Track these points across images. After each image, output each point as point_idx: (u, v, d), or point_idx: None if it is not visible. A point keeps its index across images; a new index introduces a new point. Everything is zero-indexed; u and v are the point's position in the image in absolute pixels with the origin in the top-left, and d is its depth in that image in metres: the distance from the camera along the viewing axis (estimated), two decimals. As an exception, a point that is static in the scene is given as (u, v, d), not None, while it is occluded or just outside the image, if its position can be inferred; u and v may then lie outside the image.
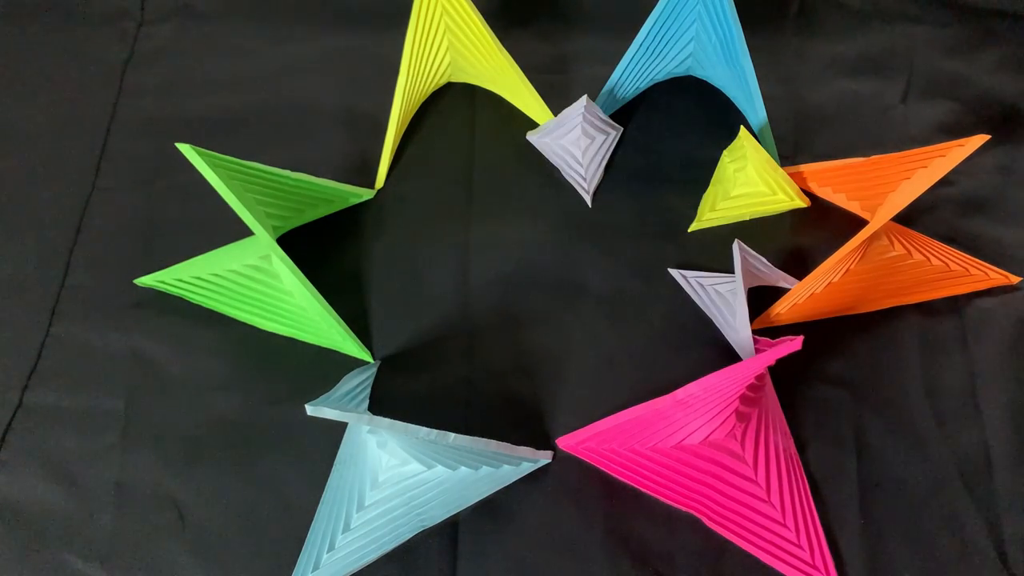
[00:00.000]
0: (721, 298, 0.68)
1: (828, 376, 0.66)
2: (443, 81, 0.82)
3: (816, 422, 0.65)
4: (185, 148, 0.58)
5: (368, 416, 0.51)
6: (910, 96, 0.81)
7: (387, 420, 0.51)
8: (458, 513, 0.61)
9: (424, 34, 0.75)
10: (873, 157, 0.70)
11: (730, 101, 0.80)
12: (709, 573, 0.59)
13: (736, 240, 0.68)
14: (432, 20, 0.74)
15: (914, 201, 0.62)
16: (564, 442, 0.63)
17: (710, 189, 0.75)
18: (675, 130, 0.79)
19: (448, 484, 0.59)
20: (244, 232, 0.62)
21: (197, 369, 0.67)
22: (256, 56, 0.85)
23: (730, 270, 0.67)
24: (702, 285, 0.69)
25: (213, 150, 0.61)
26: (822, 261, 0.63)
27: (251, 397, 0.66)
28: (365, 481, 0.59)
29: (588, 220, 0.75)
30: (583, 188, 0.75)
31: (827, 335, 0.67)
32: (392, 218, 0.75)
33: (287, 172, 0.68)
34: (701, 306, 0.69)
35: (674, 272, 0.71)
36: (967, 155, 0.60)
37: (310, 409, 0.50)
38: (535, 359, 0.63)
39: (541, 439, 0.64)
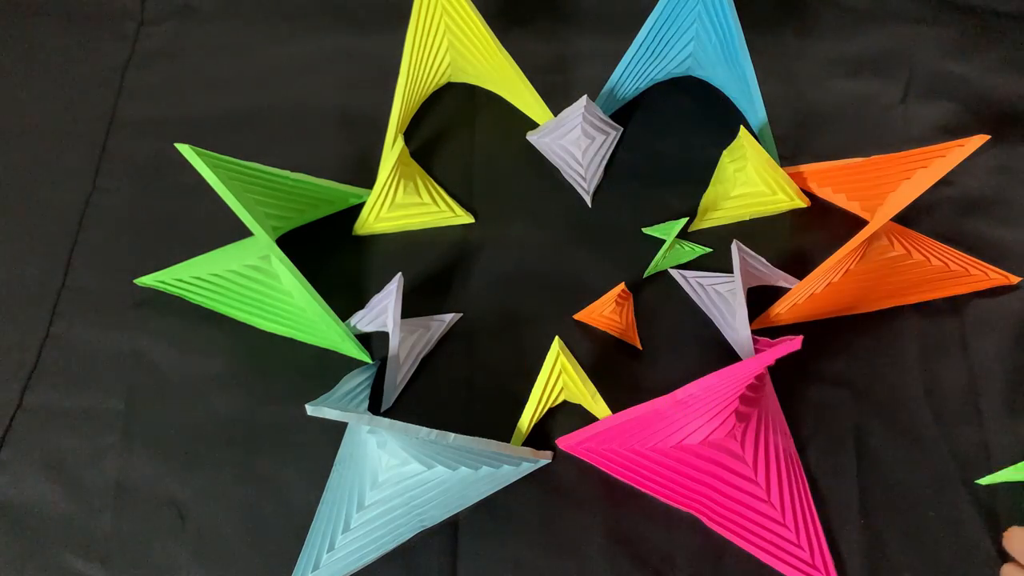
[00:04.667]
0: (721, 298, 0.68)
1: (828, 376, 0.66)
2: (443, 81, 0.82)
3: (816, 422, 0.65)
4: (184, 148, 0.58)
5: (368, 416, 0.51)
6: (910, 96, 0.81)
7: (387, 420, 0.51)
8: (458, 513, 0.61)
9: (424, 34, 0.75)
10: (873, 157, 0.70)
11: (730, 101, 0.80)
12: (709, 573, 0.59)
13: (734, 240, 0.68)
14: (432, 20, 0.74)
15: (914, 201, 0.62)
16: (564, 442, 0.63)
17: (710, 189, 0.75)
18: (675, 130, 0.79)
19: (448, 484, 0.59)
20: (244, 232, 0.62)
21: (197, 369, 0.67)
22: (256, 56, 0.85)
23: (730, 270, 0.67)
24: (702, 285, 0.69)
25: (213, 150, 0.61)
26: (822, 261, 0.63)
27: (251, 397, 0.66)
28: (365, 481, 0.59)
29: (588, 220, 0.75)
30: (583, 188, 0.75)
31: (827, 335, 0.67)
32: (392, 218, 0.75)
33: (287, 172, 0.69)
34: (701, 306, 0.69)
35: (674, 272, 0.71)
36: (967, 155, 0.60)
37: (310, 409, 0.50)
38: (535, 359, 0.63)
39: (541, 439, 0.64)
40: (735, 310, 0.65)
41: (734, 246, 0.67)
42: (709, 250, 0.72)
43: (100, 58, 0.85)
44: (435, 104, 0.82)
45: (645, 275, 0.71)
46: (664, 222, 0.72)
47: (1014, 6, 0.86)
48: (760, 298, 0.69)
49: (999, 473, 0.61)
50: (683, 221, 0.70)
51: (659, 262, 0.70)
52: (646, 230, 0.73)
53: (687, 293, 0.70)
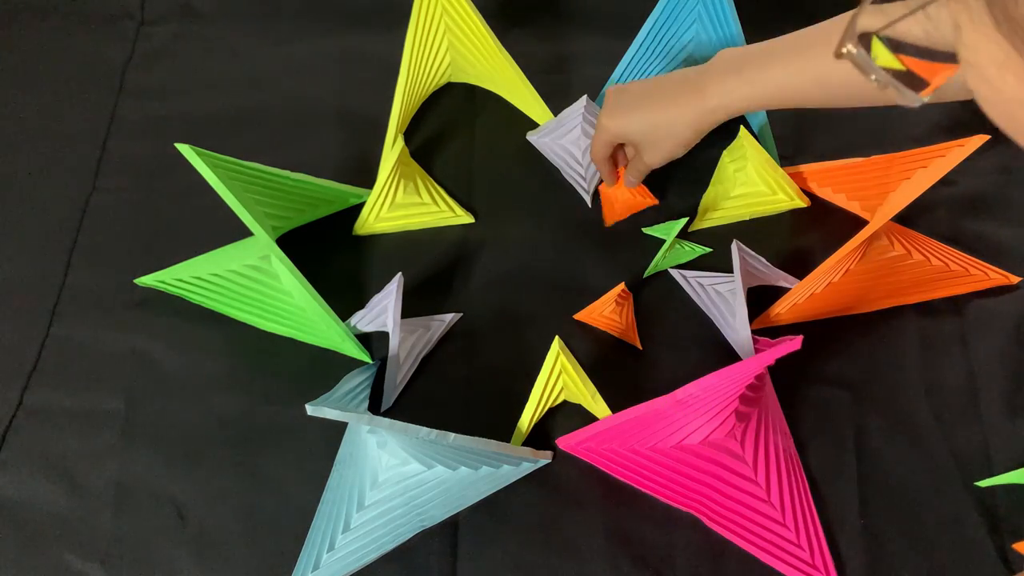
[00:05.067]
0: (721, 298, 0.68)
1: (828, 376, 0.66)
2: (443, 81, 0.82)
3: (816, 422, 0.65)
4: (185, 148, 0.58)
5: (368, 416, 0.51)
6: (910, 96, 0.81)
7: (387, 420, 0.51)
8: (458, 513, 0.61)
9: (424, 34, 0.75)
10: (873, 157, 0.70)
11: (730, 101, 0.80)
12: (709, 573, 0.59)
13: (734, 241, 0.68)
14: (432, 20, 0.74)
15: (914, 201, 0.62)
16: (564, 442, 0.63)
17: (710, 189, 0.75)
18: (675, 130, 0.79)
19: (448, 484, 0.59)
20: (244, 232, 0.62)
21: (197, 369, 0.67)
22: (256, 56, 0.85)
23: (730, 270, 0.67)
24: (702, 285, 0.69)
25: (213, 150, 0.61)
26: (822, 261, 0.63)
27: (251, 397, 0.66)
28: (365, 481, 0.59)
29: (588, 220, 0.75)
30: (583, 188, 0.75)
31: (827, 335, 0.67)
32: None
33: (287, 172, 0.69)
34: (701, 306, 0.69)
35: (674, 272, 0.71)
36: (967, 155, 0.60)
37: (310, 409, 0.50)
38: (535, 359, 0.63)
39: (541, 439, 0.64)
40: (735, 310, 0.65)
41: (734, 246, 0.67)
42: (709, 250, 0.72)
43: (100, 58, 0.85)
44: (435, 104, 0.82)
45: (645, 275, 0.71)
46: (664, 222, 0.73)
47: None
48: (760, 298, 0.69)
49: (999, 476, 0.61)
50: (683, 221, 0.70)
51: (659, 262, 0.70)
52: (646, 230, 0.73)
53: (687, 293, 0.70)
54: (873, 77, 0.29)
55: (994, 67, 0.26)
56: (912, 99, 0.30)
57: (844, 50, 0.29)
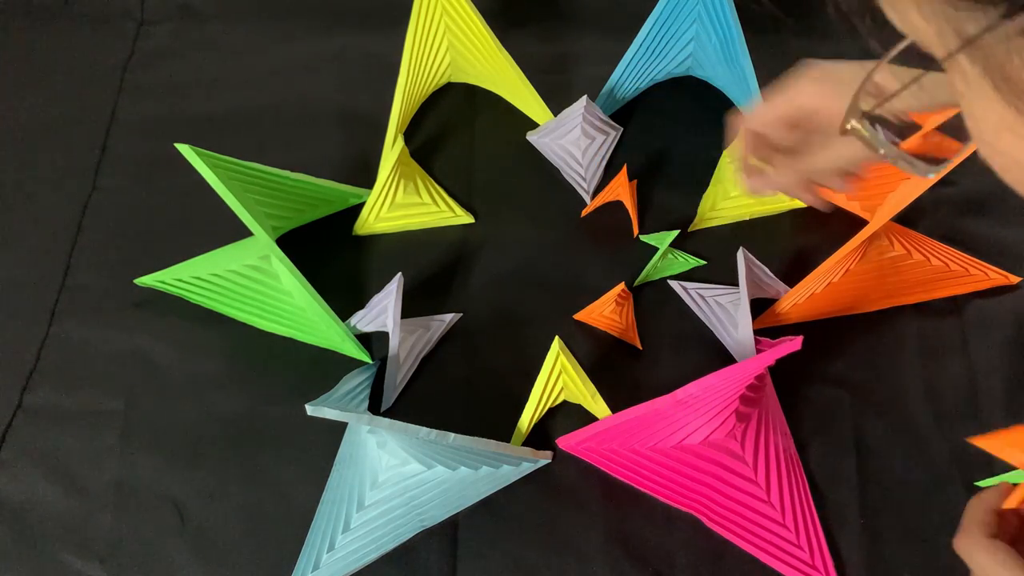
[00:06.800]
0: (723, 309, 0.68)
1: (828, 376, 0.66)
2: (443, 81, 0.82)
3: (816, 422, 0.64)
4: (184, 148, 0.58)
5: (368, 416, 0.51)
6: (910, 96, 0.81)
7: (387, 420, 0.51)
8: (458, 513, 0.61)
9: (424, 34, 0.75)
10: (873, 157, 0.70)
11: (730, 101, 0.80)
12: (709, 573, 0.59)
13: (741, 249, 0.67)
14: (432, 20, 0.74)
15: (914, 201, 0.62)
16: (564, 442, 0.63)
17: (710, 189, 0.75)
18: (675, 130, 0.79)
19: (448, 484, 0.59)
20: (244, 232, 0.62)
21: (197, 369, 0.67)
22: (256, 56, 0.85)
23: (729, 270, 0.67)
24: (703, 297, 0.69)
25: (213, 150, 0.61)
26: (822, 261, 0.63)
27: (251, 397, 0.66)
28: (365, 481, 0.59)
29: (588, 220, 0.75)
30: (583, 188, 0.75)
31: (827, 335, 0.67)
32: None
33: (287, 173, 0.69)
34: (702, 317, 0.69)
35: (674, 284, 0.70)
36: (967, 155, 0.60)
37: (310, 409, 0.50)
38: (535, 359, 0.63)
39: (541, 439, 0.64)
40: (737, 321, 0.65)
41: (740, 254, 0.66)
42: (703, 262, 0.71)
43: (100, 58, 0.85)
44: (435, 104, 0.82)
45: (635, 284, 0.70)
46: (664, 222, 0.72)
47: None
48: (759, 300, 0.68)
49: (999, 477, 0.61)
50: (675, 233, 0.70)
51: (650, 272, 0.70)
52: (643, 237, 0.72)
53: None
54: (881, 152, 0.29)
55: (997, 135, 0.25)
56: (924, 171, 0.30)
57: (849, 127, 0.28)
